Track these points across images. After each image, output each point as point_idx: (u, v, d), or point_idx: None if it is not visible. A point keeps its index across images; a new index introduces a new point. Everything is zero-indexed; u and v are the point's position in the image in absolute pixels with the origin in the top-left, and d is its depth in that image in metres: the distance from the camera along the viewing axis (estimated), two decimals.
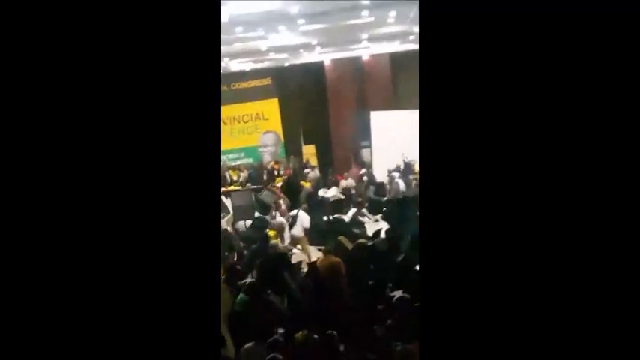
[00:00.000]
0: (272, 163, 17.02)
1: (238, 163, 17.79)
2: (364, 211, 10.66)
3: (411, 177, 13.15)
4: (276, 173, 15.87)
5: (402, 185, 12.29)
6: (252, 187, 14.38)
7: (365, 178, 14.41)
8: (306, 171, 16.36)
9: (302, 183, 14.22)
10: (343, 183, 14.60)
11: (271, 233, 9.14)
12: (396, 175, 13.48)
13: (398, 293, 6.05)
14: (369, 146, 17.28)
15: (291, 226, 9.98)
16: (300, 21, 11.50)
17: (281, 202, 11.43)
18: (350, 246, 7.86)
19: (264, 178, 15.45)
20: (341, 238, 8.16)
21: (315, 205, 11.42)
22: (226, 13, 9.59)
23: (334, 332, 4.80)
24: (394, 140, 16.19)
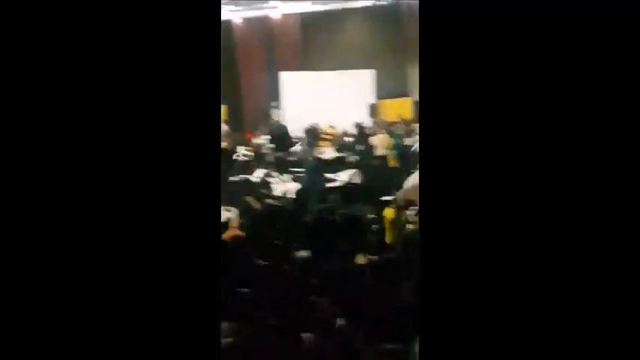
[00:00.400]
0: None
1: None
2: (271, 172, 10.61)
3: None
4: None
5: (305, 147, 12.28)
6: None
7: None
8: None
9: None
10: (253, 142, 14.45)
11: None
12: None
13: (303, 253, 6.07)
14: (277, 107, 17.17)
15: None
16: None
17: None
18: (257, 206, 7.82)
19: None
20: (248, 198, 8.11)
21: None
22: None
23: None
24: (304, 102, 16.19)
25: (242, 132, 15.82)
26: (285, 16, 17.66)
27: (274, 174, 10.54)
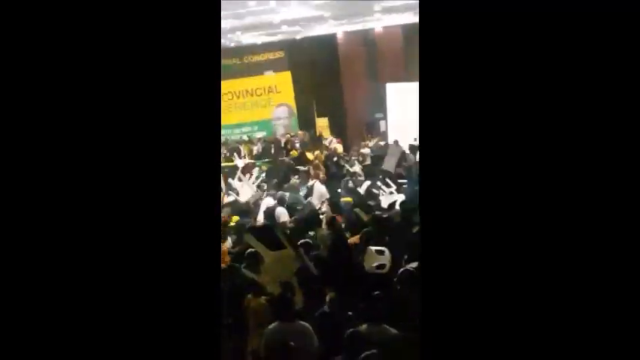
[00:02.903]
0: (287, 135, 17.02)
1: (255, 136, 17.78)
2: (378, 183, 10.65)
3: None
4: (289, 146, 15.90)
5: (411, 157, 12.27)
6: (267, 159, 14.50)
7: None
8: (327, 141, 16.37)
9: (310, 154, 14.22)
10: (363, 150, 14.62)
11: None
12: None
13: (413, 265, 6.12)
14: (383, 118, 17.28)
15: (306, 197, 10.03)
16: None
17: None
18: (365, 218, 7.92)
19: (273, 151, 15.49)
20: (356, 210, 8.22)
21: (331, 176, 11.51)
22: None
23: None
24: (408, 112, 16.20)
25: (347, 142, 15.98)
26: (386, 28, 17.81)
27: (381, 185, 10.59)
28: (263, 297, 5.29)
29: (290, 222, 8.38)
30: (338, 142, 15.78)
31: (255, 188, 10.32)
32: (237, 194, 10.07)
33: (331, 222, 7.28)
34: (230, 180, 11.05)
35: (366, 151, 14.50)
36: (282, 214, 8.53)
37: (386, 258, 6.11)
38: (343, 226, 7.75)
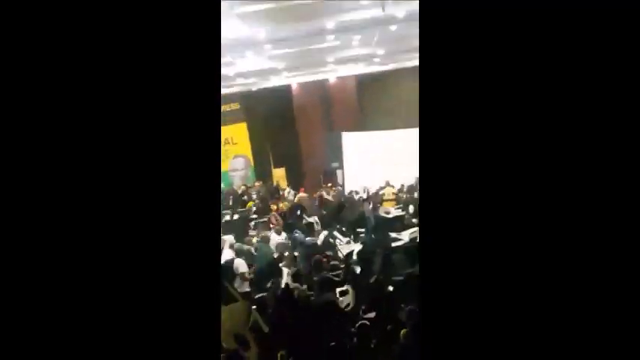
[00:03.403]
0: (242, 187, 16.97)
1: None
2: (335, 233, 10.68)
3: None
4: (246, 197, 15.83)
5: (368, 207, 12.33)
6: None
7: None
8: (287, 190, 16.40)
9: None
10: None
11: None
12: (363, 196, 13.62)
13: (371, 315, 6.13)
14: (340, 167, 17.41)
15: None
16: (267, 46, 11.64)
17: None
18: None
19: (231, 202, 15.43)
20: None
21: (288, 227, 11.49)
22: None
23: None
24: (363, 161, 16.42)
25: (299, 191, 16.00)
26: (340, 78, 18.12)
27: (337, 235, 10.61)
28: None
29: (249, 273, 8.33)
30: (302, 192, 15.74)
31: None
32: None
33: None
34: None
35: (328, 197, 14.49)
36: (241, 265, 8.47)
37: (349, 297, 6.14)
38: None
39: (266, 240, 9.68)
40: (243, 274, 8.22)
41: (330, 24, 10.50)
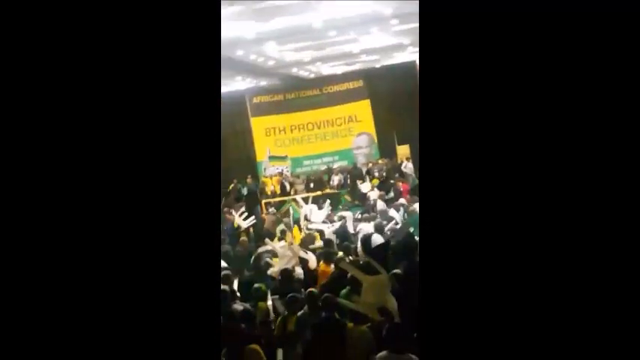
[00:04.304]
0: (369, 164, 17.02)
1: (334, 166, 17.84)
2: None
3: None
4: (371, 175, 15.87)
5: None
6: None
7: None
8: (405, 164, 16.36)
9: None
10: None
11: None
12: None
13: None
14: None
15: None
16: (393, 22, 11.51)
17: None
18: None
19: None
20: None
21: None
22: (319, 17, 9.71)
23: None
24: None
25: None
26: None
27: None
28: (364, 325, 5.20)
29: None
30: None
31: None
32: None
33: None
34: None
35: None
36: (379, 240, 8.51)
37: None
38: None
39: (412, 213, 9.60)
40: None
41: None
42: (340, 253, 7.82)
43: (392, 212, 10.44)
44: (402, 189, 13.54)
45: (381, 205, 11.47)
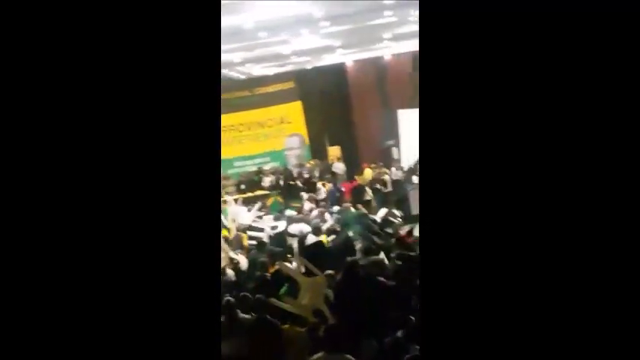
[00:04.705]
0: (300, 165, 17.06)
1: (266, 167, 17.78)
2: (394, 210, 10.60)
3: None
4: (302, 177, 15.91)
5: None
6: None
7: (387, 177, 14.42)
8: (335, 165, 16.49)
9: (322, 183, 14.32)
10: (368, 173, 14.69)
11: None
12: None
13: None
14: (396, 145, 17.30)
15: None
16: (323, 24, 11.57)
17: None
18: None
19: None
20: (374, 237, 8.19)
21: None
22: (250, 18, 9.66)
23: None
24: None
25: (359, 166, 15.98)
26: (396, 55, 17.90)
27: (396, 212, 10.54)
28: (300, 327, 5.22)
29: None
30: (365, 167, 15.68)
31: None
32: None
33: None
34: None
35: (386, 177, 14.46)
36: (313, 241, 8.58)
37: None
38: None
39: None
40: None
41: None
42: None
43: (325, 214, 10.49)
44: (343, 189, 13.64)
45: (309, 205, 11.51)
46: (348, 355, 4.26)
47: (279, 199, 14.82)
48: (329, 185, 14.11)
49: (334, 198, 12.79)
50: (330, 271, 6.17)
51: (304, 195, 12.88)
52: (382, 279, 5.81)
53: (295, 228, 9.58)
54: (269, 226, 10.16)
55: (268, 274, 6.80)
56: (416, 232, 8.54)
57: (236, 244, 9.44)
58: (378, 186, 13.60)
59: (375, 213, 10.40)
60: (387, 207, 10.84)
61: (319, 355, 4.32)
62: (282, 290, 6.09)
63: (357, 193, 12.73)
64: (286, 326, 5.25)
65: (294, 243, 8.78)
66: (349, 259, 6.15)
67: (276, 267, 6.82)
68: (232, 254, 7.97)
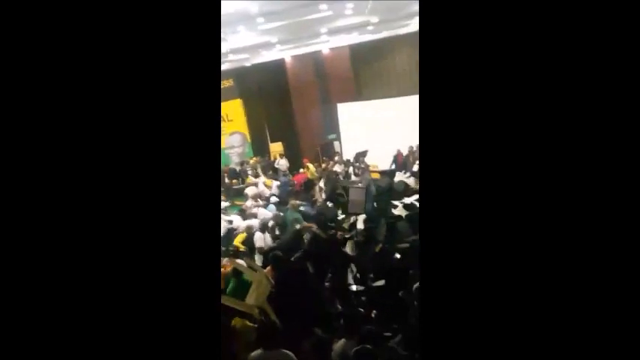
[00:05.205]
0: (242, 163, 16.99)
1: None
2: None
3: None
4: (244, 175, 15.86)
5: (367, 176, 12.46)
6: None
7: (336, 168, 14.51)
8: (278, 161, 16.51)
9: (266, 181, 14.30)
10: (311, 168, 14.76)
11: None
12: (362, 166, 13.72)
13: (380, 283, 6.16)
14: (337, 138, 17.43)
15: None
16: (260, 20, 11.54)
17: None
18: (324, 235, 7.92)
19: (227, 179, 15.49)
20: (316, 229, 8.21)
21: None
22: None
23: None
24: (360, 131, 16.44)
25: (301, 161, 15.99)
26: (334, 49, 17.98)
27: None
28: (248, 321, 5.24)
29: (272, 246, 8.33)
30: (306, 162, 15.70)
31: None
32: None
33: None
34: None
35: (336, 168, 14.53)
36: (259, 239, 8.55)
37: None
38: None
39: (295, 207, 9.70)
40: (261, 247, 8.31)
41: None
42: None
43: (267, 209, 10.51)
44: (295, 182, 13.66)
45: (251, 202, 11.50)
46: (286, 351, 4.30)
47: (222, 196, 14.75)
48: (274, 181, 14.08)
49: (286, 192, 12.78)
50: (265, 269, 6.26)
51: (248, 192, 12.84)
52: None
53: (242, 225, 9.56)
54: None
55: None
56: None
57: None
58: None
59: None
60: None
61: (258, 352, 4.35)
62: (230, 287, 6.10)
63: (308, 187, 12.78)
64: (237, 319, 5.28)
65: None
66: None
67: (227, 264, 6.78)
68: None
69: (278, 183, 13.65)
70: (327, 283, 6.60)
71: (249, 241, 8.67)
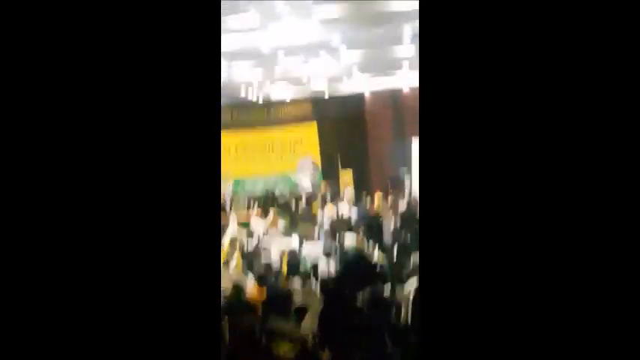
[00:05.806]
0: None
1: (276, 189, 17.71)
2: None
3: None
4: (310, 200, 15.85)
5: None
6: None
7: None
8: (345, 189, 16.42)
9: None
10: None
11: None
12: None
13: None
14: (408, 172, 17.26)
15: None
16: (342, 49, 11.63)
17: None
18: None
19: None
20: None
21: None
22: (269, 43, 9.77)
23: None
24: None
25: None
26: (413, 87, 17.92)
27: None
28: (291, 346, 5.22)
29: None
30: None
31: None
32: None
33: None
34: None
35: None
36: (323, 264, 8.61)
37: None
38: None
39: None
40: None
41: (407, 30, 10.37)
42: None
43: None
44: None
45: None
46: None
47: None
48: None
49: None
50: None
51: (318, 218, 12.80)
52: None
53: (308, 250, 9.54)
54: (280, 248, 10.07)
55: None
56: None
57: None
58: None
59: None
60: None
61: None
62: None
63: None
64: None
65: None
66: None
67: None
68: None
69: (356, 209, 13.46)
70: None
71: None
